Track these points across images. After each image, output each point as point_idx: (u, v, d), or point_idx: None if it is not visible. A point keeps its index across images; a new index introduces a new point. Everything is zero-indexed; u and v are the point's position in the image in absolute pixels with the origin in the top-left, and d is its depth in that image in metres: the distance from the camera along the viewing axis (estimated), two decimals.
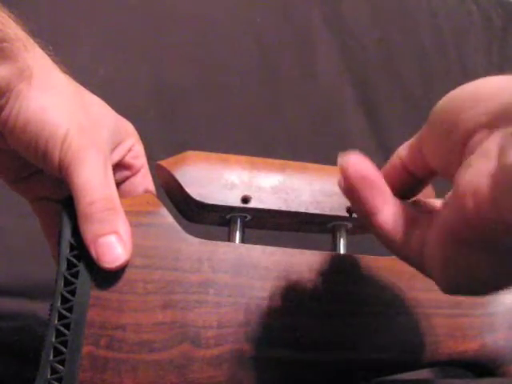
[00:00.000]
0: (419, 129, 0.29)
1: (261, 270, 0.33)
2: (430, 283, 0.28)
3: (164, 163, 0.35)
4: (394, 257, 0.29)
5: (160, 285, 0.31)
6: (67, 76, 0.33)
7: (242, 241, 0.35)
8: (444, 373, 0.54)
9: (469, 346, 0.36)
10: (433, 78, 0.83)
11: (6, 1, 0.32)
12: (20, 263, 0.56)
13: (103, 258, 0.30)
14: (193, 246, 0.32)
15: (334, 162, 0.30)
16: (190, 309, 0.31)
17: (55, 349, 0.29)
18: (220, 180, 0.34)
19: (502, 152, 0.22)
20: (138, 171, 0.38)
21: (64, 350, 0.29)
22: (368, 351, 0.34)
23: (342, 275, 0.34)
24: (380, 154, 0.72)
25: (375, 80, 0.80)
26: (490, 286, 0.26)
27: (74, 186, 0.30)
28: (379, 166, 0.29)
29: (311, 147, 0.72)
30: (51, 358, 0.29)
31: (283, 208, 0.35)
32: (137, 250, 0.31)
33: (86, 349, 0.29)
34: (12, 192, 0.37)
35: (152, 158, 0.38)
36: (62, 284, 0.30)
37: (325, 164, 0.37)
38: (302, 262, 0.34)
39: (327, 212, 0.35)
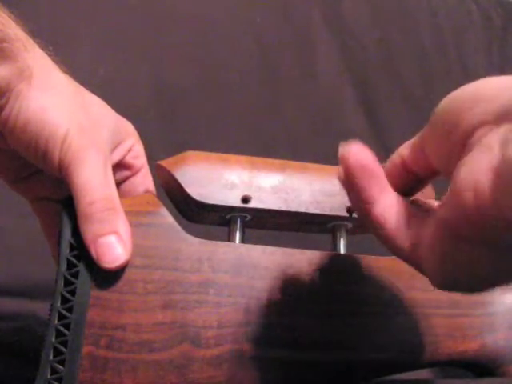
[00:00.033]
0: (419, 128, 0.29)
1: (261, 269, 0.33)
2: (429, 283, 0.28)
3: (164, 163, 0.35)
4: (394, 257, 0.29)
5: (160, 285, 0.31)
6: (67, 76, 0.33)
7: (242, 241, 0.35)
8: (444, 373, 0.54)
9: (469, 346, 0.36)
10: (433, 77, 0.83)
11: (6, 1, 0.32)
12: (20, 263, 0.56)
13: (103, 258, 0.30)
14: (193, 246, 0.32)
15: (334, 162, 0.30)
16: (190, 309, 0.31)
17: (55, 349, 0.29)
18: (220, 180, 0.34)
19: (504, 145, 0.22)
20: (138, 171, 0.38)
21: (64, 350, 0.29)
22: (367, 351, 0.34)
23: (341, 275, 0.34)
24: (380, 153, 0.72)
25: (375, 80, 0.80)
26: (489, 282, 0.26)
27: (74, 185, 0.30)
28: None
29: (311, 147, 0.72)
30: (51, 358, 0.29)
31: (283, 208, 0.35)
32: (137, 249, 0.31)
33: (85, 349, 0.29)
34: (12, 192, 0.37)
35: (152, 157, 0.38)
36: (62, 284, 0.30)
37: (325, 164, 0.37)
38: (302, 262, 0.34)
39: (327, 212, 0.35)
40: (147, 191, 0.38)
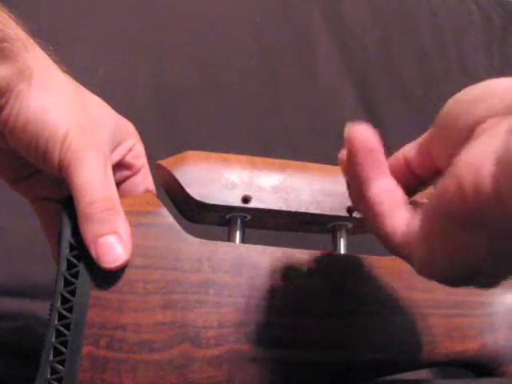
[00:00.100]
0: (419, 128, 0.29)
1: (261, 269, 0.33)
2: (429, 283, 0.27)
3: (164, 163, 0.35)
4: (394, 257, 0.29)
5: (160, 285, 0.31)
6: (67, 76, 0.33)
7: (242, 241, 0.35)
8: (444, 373, 0.54)
9: (468, 346, 0.36)
10: (433, 77, 0.83)
11: (5, 1, 0.32)
12: (20, 263, 0.56)
13: (103, 258, 0.30)
14: (193, 246, 0.32)
15: (334, 162, 0.30)
16: (190, 309, 0.31)
17: (55, 349, 0.29)
18: (220, 180, 0.34)
19: (510, 133, 0.22)
20: (138, 171, 0.38)
21: (64, 350, 0.29)
22: (367, 351, 0.34)
23: (341, 275, 0.34)
24: None
25: (375, 80, 0.80)
26: (488, 274, 0.25)
27: (74, 185, 0.30)
28: None
29: (311, 147, 0.72)
30: (51, 358, 0.29)
31: (283, 208, 0.35)
32: (137, 249, 0.31)
33: (85, 349, 0.29)
34: (12, 192, 0.37)
35: (152, 157, 0.38)
36: (62, 284, 0.30)
37: (325, 164, 0.37)
38: (302, 262, 0.34)
39: (327, 212, 0.35)
40: (147, 191, 0.38)
